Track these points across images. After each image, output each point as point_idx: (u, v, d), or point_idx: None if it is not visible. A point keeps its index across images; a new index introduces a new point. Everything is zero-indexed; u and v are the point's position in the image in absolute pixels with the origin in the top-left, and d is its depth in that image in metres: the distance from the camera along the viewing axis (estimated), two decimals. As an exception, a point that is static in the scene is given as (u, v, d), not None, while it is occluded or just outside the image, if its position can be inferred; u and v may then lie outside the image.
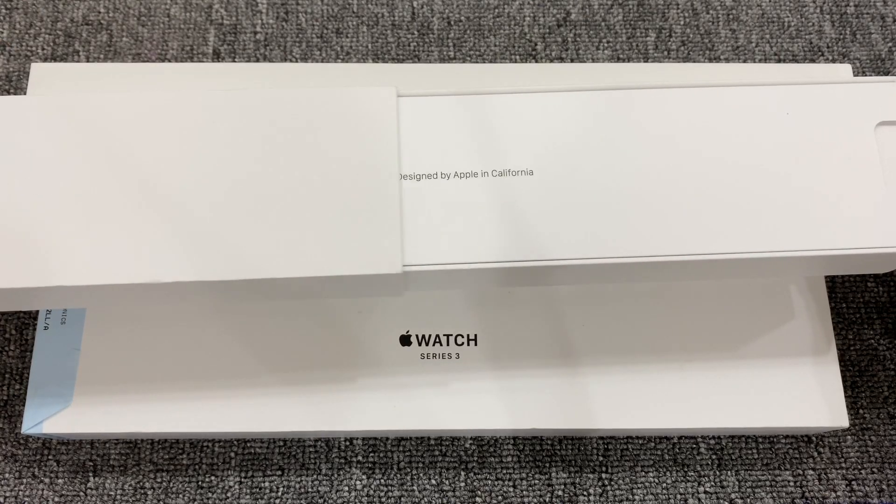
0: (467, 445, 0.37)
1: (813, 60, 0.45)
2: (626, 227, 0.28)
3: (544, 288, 0.36)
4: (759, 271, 0.30)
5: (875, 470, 0.37)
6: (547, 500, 0.36)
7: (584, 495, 0.36)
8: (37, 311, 0.37)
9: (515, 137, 0.29)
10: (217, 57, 0.43)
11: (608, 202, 0.28)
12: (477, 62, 0.42)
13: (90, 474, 0.36)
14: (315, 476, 0.36)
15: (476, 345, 0.35)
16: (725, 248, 0.28)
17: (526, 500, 0.36)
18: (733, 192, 0.29)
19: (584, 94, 0.30)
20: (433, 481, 0.36)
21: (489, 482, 0.36)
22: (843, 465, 0.37)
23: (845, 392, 0.37)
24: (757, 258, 0.28)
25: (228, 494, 0.36)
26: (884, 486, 0.37)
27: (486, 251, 0.28)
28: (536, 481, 0.36)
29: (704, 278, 0.33)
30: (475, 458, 0.37)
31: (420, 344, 0.35)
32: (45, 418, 0.33)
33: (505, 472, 0.36)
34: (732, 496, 0.36)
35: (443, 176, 0.29)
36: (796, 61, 0.45)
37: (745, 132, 0.29)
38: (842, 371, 0.38)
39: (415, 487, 0.36)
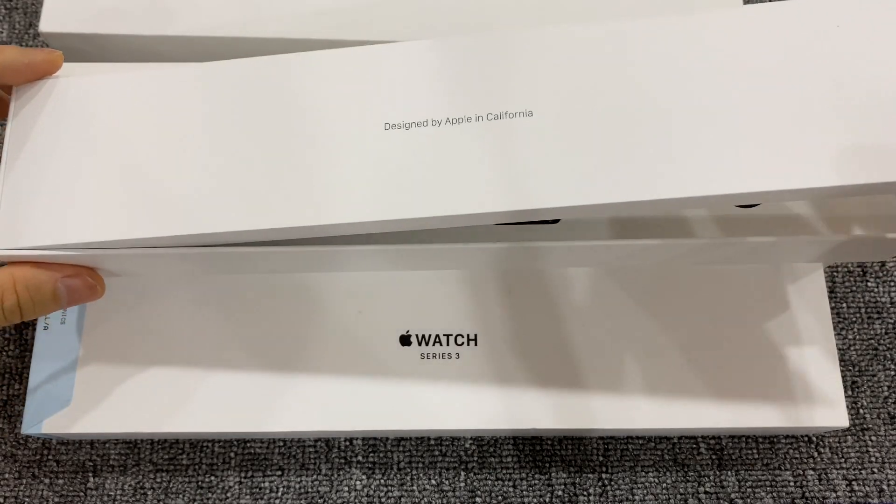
0: (467, 445, 0.37)
1: None
2: (634, 167, 0.26)
3: (544, 287, 0.35)
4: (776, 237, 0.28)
5: (875, 470, 0.37)
6: (547, 500, 0.36)
7: (584, 495, 0.36)
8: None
9: (511, 77, 0.27)
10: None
11: (615, 142, 0.26)
12: None
13: (90, 474, 0.36)
14: (315, 476, 0.36)
15: (476, 345, 0.35)
16: (736, 187, 0.25)
17: (526, 500, 0.36)
18: (748, 126, 0.26)
19: (584, 27, 0.27)
20: (433, 481, 0.36)
21: (489, 482, 0.36)
22: (844, 465, 0.37)
23: (845, 392, 0.37)
24: (771, 192, 0.25)
25: (228, 494, 0.36)
26: (884, 486, 0.37)
27: (482, 200, 0.26)
28: (536, 481, 0.36)
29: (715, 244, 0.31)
30: (475, 458, 0.37)
31: (420, 344, 0.35)
32: (45, 418, 0.33)
33: (505, 472, 0.36)
34: (732, 496, 0.36)
35: (433, 123, 0.27)
36: None
37: (752, 57, 0.27)
38: (842, 371, 0.38)
39: (415, 487, 0.36)
